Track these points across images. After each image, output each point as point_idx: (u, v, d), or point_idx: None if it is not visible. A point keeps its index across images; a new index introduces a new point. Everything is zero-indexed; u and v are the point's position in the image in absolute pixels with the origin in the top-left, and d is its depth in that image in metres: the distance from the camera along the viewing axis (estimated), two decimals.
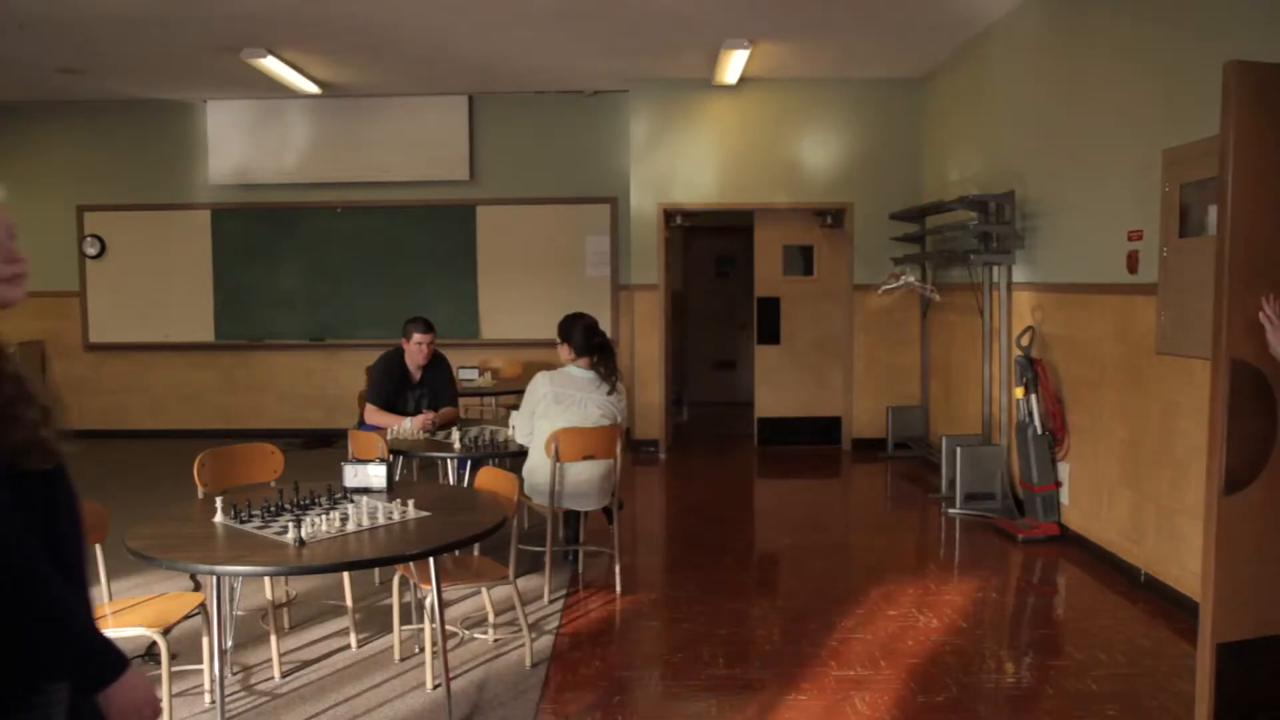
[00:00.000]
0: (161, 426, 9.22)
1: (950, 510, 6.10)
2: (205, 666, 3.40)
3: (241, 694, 3.51)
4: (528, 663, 3.72)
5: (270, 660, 3.70)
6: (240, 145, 8.89)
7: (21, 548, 1.39)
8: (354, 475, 3.62)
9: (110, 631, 3.09)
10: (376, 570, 4.59)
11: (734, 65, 7.48)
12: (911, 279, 7.49)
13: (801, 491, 7.38)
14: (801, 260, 8.74)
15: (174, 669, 3.18)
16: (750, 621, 4.24)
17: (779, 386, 8.71)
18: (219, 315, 9.17)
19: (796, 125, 8.29)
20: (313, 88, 8.15)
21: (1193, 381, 4.18)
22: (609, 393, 4.57)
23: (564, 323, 4.66)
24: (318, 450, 8.28)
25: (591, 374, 4.55)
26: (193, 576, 3.65)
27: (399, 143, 8.77)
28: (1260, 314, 2.68)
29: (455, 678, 3.60)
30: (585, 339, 4.59)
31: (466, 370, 7.44)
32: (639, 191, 8.32)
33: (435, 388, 5.45)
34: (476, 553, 4.19)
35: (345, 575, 3.99)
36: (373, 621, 4.19)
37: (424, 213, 8.97)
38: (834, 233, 8.54)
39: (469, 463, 5.17)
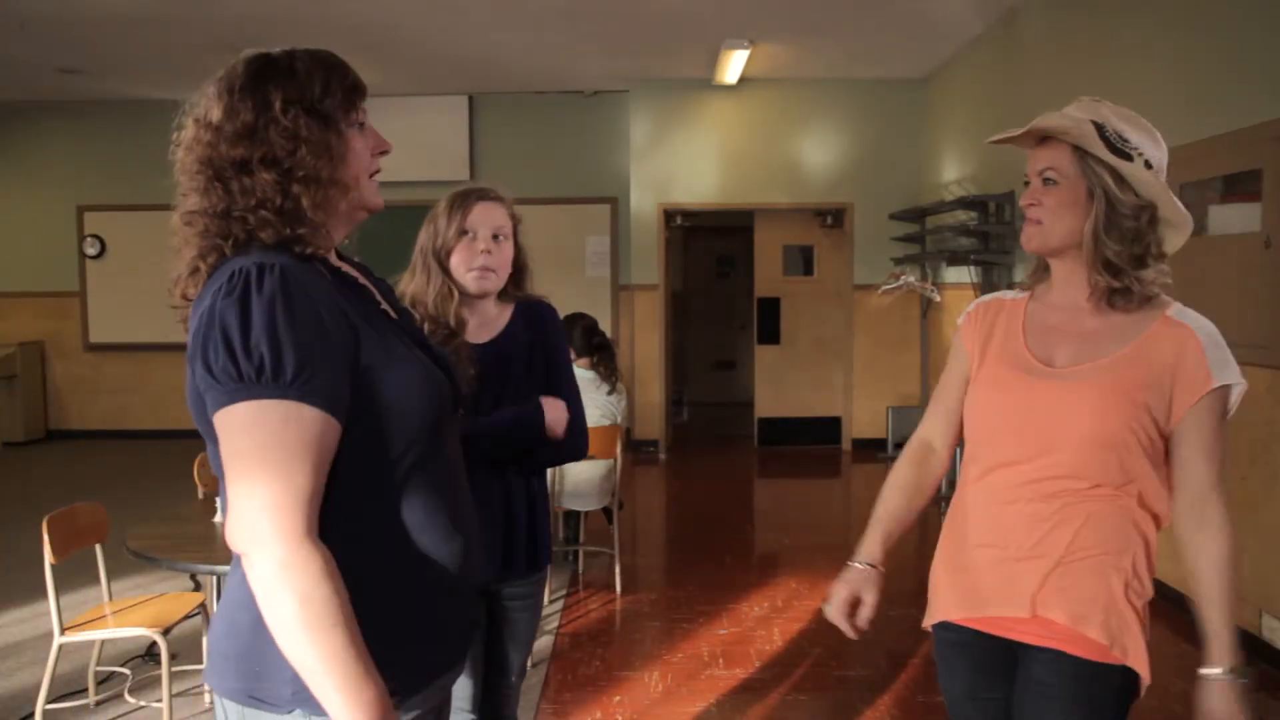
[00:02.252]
0: (161, 426, 9.20)
1: None
2: (205, 666, 3.39)
3: None
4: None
5: None
6: None
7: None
8: None
9: (111, 632, 3.10)
10: None
11: (734, 65, 7.48)
12: (911, 279, 7.49)
13: (801, 491, 7.38)
14: (801, 260, 8.74)
15: (174, 669, 3.18)
16: (750, 621, 4.24)
17: (779, 386, 8.71)
18: None
19: (796, 125, 8.29)
20: None
21: None
22: (609, 393, 4.57)
23: (564, 323, 4.67)
24: None
25: (591, 374, 4.55)
26: (193, 576, 3.66)
27: (399, 143, 8.50)
28: None
29: None
30: (585, 339, 4.60)
31: None
32: (639, 192, 8.31)
33: None
34: None
35: None
36: None
37: (425, 213, 8.93)
38: (834, 233, 8.54)
39: None
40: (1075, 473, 1.55)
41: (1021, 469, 1.58)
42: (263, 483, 1.12)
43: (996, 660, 1.64)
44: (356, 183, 1.32)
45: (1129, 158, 1.54)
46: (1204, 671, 1.53)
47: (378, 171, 1.38)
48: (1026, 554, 1.57)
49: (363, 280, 1.36)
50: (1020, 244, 1.68)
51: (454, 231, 2.09)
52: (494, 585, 2.12)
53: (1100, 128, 1.56)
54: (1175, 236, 1.63)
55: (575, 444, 2.17)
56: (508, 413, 2.09)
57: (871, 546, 1.74)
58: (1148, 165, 1.55)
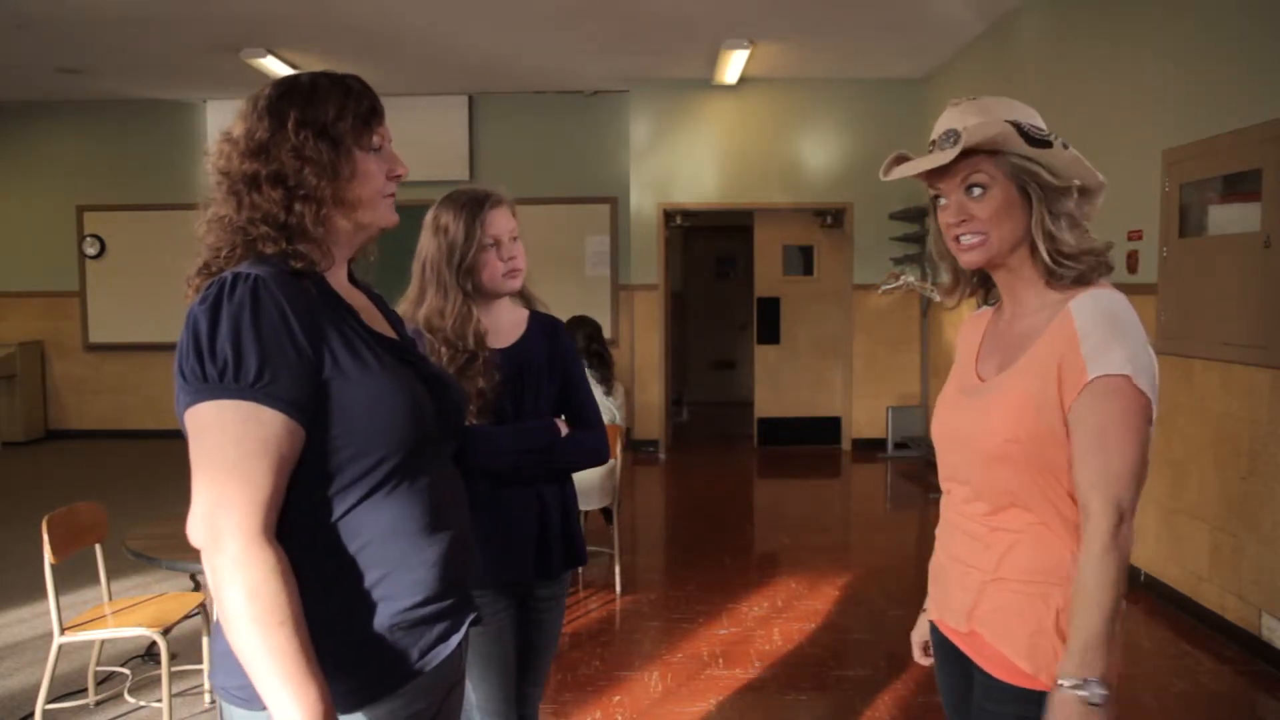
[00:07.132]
0: (161, 426, 9.19)
1: None
2: (205, 666, 3.40)
3: None
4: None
5: None
6: None
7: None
8: None
9: (111, 632, 3.10)
10: None
11: (734, 65, 7.48)
12: (911, 279, 7.49)
13: (801, 491, 7.38)
14: (801, 260, 8.74)
15: (174, 669, 3.18)
16: (750, 621, 4.24)
17: (779, 386, 8.71)
18: None
19: (796, 125, 8.29)
20: None
21: (1192, 382, 4.18)
22: (605, 393, 4.69)
23: (570, 323, 4.78)
24: None
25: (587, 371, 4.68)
26: (193, 576, 3.65)
27: (399, 143, 8.45)
28: None
29: None
30: (585, 344, 4.75)
31: None
32: (639, 191, 8.32)
33: None
34: None
35: None
36: None
37: (423, 212, 8.94)
38: (834, 233, 8.54)
39: None
40: (980, 495, 1.49)
41: (955, 490, 1.59)
42: (219, 480, 1.16)
43: (966, 667, 1.59)
44: (362, 203, 1.37)
45: (1048, 144, 1.44)
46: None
47: (392, 194, 1.43)
48: (966, 566, 1.55)
49: (351, 303, 1.38)
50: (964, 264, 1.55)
51: (477, 244, 2.13)
52: (527, 587, 2.19)
53: (1017, 125, 1.45)
54: (1092, 204, 1.53)
55: (598, 450, 2.23)
56: (530, 425, 2.15)
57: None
58: (1065, 146, 1.45)
